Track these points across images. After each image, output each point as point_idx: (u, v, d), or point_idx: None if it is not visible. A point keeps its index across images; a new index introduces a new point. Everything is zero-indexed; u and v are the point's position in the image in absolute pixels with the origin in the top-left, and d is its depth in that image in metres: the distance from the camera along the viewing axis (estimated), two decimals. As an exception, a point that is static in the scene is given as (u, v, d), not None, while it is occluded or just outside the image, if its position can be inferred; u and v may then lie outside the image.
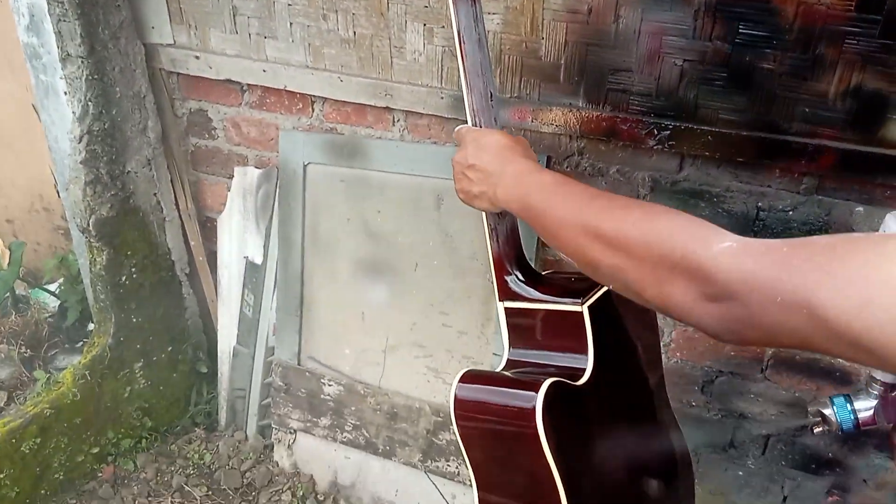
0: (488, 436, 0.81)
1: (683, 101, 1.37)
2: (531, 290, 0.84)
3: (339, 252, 1.85)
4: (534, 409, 0.74)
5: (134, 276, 2.00)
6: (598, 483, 0.85)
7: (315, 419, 1.97)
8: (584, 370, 0.81)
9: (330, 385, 1.93)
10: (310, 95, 1.75)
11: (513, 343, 0.87)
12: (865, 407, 0.86)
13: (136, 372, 2.09)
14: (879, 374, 0.85)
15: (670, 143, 1.39)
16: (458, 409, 0.81)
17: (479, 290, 1.69)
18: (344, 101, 1.71)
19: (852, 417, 0.86)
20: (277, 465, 2.09)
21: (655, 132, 1.39)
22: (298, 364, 1.99)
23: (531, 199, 0.73)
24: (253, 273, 2.03)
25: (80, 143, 1.73)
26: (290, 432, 2.04)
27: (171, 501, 1.98)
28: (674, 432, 1.05)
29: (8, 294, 2.37)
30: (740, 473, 1.74)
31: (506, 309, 0.86)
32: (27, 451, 1.85)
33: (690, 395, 1.70)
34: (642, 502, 0.97)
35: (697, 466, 1.78)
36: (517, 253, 0.85)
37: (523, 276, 0.85)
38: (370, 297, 1.84)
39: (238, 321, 2.12)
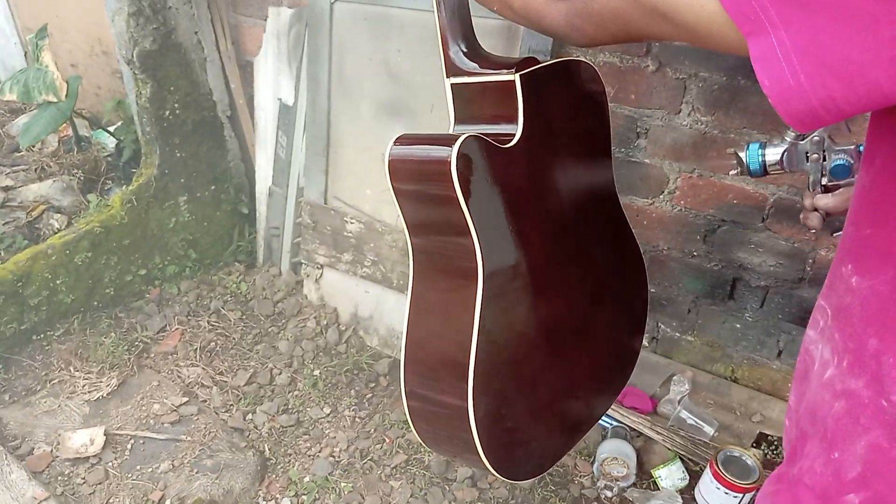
0: (417, 195, 0.87)
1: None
2: (471, 63, 0.88)
3: (362, 92, 1.91)
4: (449, 158, 0.79)
5: (177, 111, 2.12)
6: (520, 253, 0.91)
7: (338, 255, 2.10)
8: (513, 136, 0.86)
9: (352, 223, 2.04)
10: (336, -71, 1.77)
11: (456, 119, 0.92)
12: (774, 152, 0.91)
13: (181, 205, 2.26)
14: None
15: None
16: (391, 168, 0.88)
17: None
18: (367, -65, 1.72)
19: (760, 161, 0.92)
20: (306, 298, 2.24)
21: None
22: (325, 203, 2.10)
23: None
24: (286, 115, 2.12)
25: (120, -28, 1.83)
26: (317, 267, 2.18)
27: (208, 321, 2.17)
28: (620, 232, 1.08)
29: (72, 133, 2.56)
30: (738, 326, 1.77)
31: (452, 85, 0.91)
32: (80, 263, 2.05)
33: (692, 245, 1.72)
34: (572, 283, 1.02)
35: (697, 318, 1.82)
36: (464, 29, 0.89)
37: (467, 49, 0.89)
38: (390, 138, 1.90)
39: (273, 162, 2.23)
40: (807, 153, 0.88)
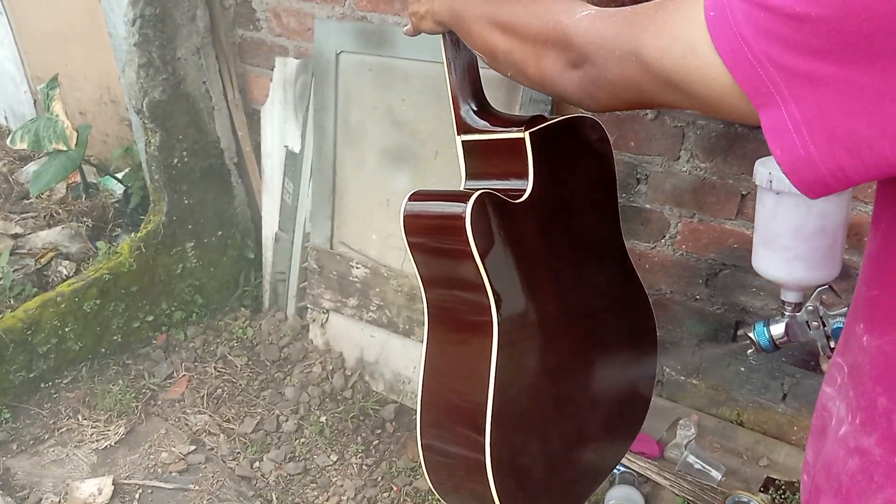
0: (432, 250, 0.90)
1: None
2: (482, 121, 0.91)
3: (367, 140, 1.95)
4: (464, 214, 0.82)
5: (185, 159, 2.16)
6: (533, 306, 0.93)
7: (344, 300, 2.12)
8: (524, 191, 0.89)
9: (357, 268, 2.06)
10: (342, -15, 1.83)
11: (468, 175, 0.95)
12: (778, 328, 0.98)
13: (188, 251, 2.28)
14: (784, 296, 0.94)
15: None
16: (406, 224, 0.90)
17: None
18: (373, -10, 1.78)
19: (768, 338, 0.98)
20: (312, 343, 2.25)
21: None
22: (330, 248, 2.12)
23: (456, 5, 0.80)
24: (292, 162, 2.16)
25: (133, 25, 1.88)
26: (323, 312, 2.20)
27: (215, 367, 2.18)
28: (628, 281, 1.11)
29: (80, 180, 2.60)
30: (742, 369, 1.79)
31: (463, 143, 0.94)
32: (89, 311, 2.07)
33: (694, 289, 1.74)
34: (582, 330, 1.04)
35: (701, 361, 1.83)
36: (474, 88, 0.93)
37: (477, 108, 0.92)
38: (394, 185, 1.94)
39: (280, 208, 2.27)
40: (807, 323, 0.94)
